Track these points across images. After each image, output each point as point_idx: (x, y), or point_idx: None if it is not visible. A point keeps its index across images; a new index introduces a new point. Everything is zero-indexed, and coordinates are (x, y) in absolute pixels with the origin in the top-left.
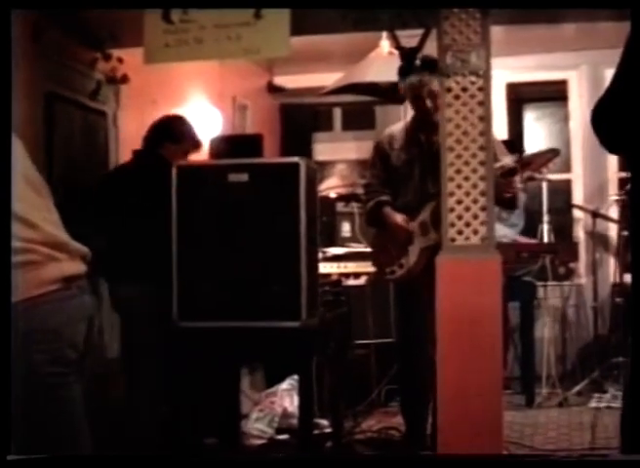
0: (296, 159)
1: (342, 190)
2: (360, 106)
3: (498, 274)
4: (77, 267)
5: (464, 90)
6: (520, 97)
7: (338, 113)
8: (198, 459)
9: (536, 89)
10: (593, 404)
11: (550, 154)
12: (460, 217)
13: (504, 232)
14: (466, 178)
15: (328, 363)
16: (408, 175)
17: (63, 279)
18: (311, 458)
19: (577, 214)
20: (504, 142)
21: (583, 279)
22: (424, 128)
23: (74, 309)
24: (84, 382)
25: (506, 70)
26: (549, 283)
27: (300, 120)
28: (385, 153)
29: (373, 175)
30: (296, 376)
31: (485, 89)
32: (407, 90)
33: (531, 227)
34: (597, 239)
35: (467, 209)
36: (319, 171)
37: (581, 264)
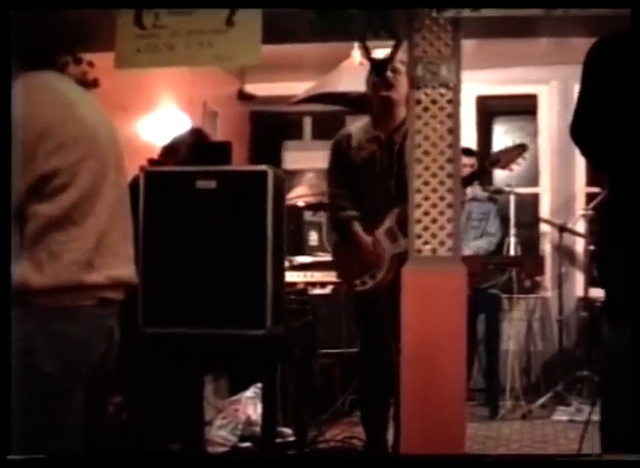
0: (264, 167)
1: (311, 199)
2: (330, 116)
3: (463, 286)
4: (118, 293)
5: (434, 102)
6: (490, 110)
7: (308, 122)
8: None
9: (506, 102)
10: (557, 417)
11: (518, 150)
12: (426, 229)
13: (480, 244)
14: (434, 190)
15: (292, 371)
16: (369, 175)
17: (103, 298)
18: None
19: (544, 228)
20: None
21: (549, 292)
22: (384, 125)
23: (104, 329)
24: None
25: (477, 83)
26: (515, 296)
27: (271, 128)
28: (343, 152)
29: (334, 178)
30: (260, 384)
31: (454, 101)
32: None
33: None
34: (563, 253)
35: (434, 220)
36: (288, 179)
37: (548, 278)
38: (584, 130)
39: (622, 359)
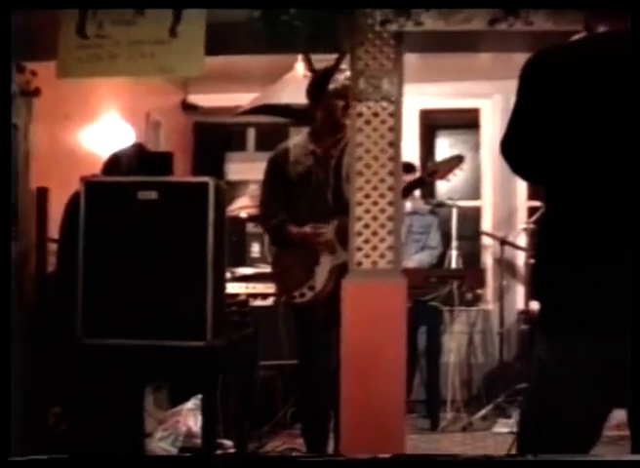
0: (205, 178)
1: (253, 211)
2: (274, 127)
3: (403, 298)
4: None
5: (376, 115)
6: (433, 123)
7: (251, 133)
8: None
9: (449, 116)
10: (497, 429)
11: (456, 161)
12: (367, 241)
13: (422, 257)
14: (375, 203)
15: (233, 383)
16: (305, 189)
17: None
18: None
19: (485, 241)
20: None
21: (490, 305)
22: (323, 138)
23: None
24: None
25: (421, 97)
26: (456, 308)
27: (214, 139)
28: (280, 167)
29: (269, 192)
30: (201, 396)
31: (396, 115)
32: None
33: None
34: (505, 266)
35: (375, 233)
36: (231, 190)
37: (489, 291)
38: (516, 145)
39: (554, 371)
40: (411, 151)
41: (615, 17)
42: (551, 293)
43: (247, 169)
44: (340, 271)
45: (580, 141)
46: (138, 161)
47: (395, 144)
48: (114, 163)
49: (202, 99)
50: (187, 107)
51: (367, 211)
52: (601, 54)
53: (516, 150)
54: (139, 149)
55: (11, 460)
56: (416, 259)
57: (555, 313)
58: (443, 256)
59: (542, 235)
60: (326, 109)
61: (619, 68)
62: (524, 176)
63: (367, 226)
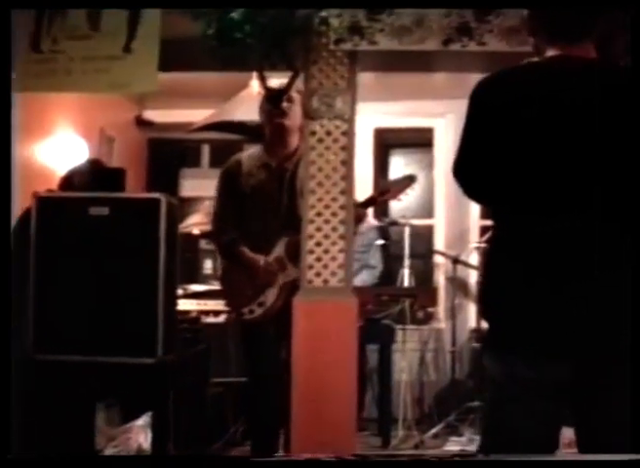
0: (157, 195)
1: (207, 227)
2: (228, 144)
3: (354, 317)
4: None
5: (328, 133)
6: (387, 142)
7: (206, 150)
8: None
9: (403, 135)
10: (449, 447)
11: (407, 181)
12: (318, 260)
13: (363, 277)
14: (327, 221)
15: (185, 400)
16: (258, 202)
17: None
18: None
19: (438, 259)
20: None
21: (442, 323)
22: (276, 152)
23: None
24: None
25: (375, 116)
26: (408, 326)
27: (168, 155)
28: (233, 179)
29: (222, 205)
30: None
31: (349, 133)
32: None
33: (392, 271)
34: (457, 285)
35: (326, 251)
36: (185, 207)
37: (441, 309)
38: (467, 167)
39: (504, 390)
40: (364, 170)
41: (563, 41)
42: (499, 313)
43: (201, 185)
44: (291, 288)
45: (530, 163)
46: (91, 177)
47: (348, 163)
48: (70, 178)
49: (157, 115)
50: (142, 123)
51: (319, 229)
52: (548, 77)
53: (468, 172)
54: (94, 165)
55: (10, 458)
56: (357, 280)
57: (503, 333)
58: (389, 275)
59: (490, 256)
60: (277, 124)
61: (566, 91)
62: (476, 198)
63: (319, 244)
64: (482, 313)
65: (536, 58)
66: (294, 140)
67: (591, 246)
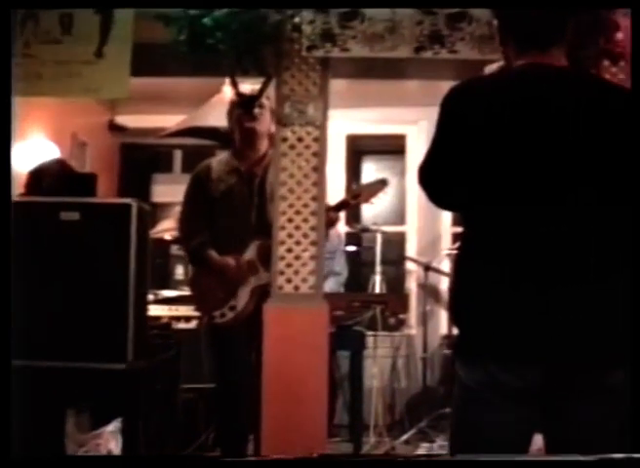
0: (128, 200)
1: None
2: (201, 150)
3: (325, 323)
4: None
5: (300, 140)
6: (360, 149)
7: (178, 155)
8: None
9: (375, 141)
10: (420, 453)
11: (379, 184)
12: (289, 266)
13: (328, 284)
14: (297, 228)
15: (155, 406)
16: (228, 207)
17: None
18: None
19: (410, 266)
20: None
21: (414, 330)
22: (246, 157)
23: None
24: None
25: (348, 122)
26: (380, 333)
27: (141, 160)
28: (203, 184)
29: (190, 210)
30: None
31: (321, 140)
32: (234, 109)
33: (363, 278)
34: (428, 291)
35: (297, 257)
36: (157, 212)
37: (412, 316)
38: (434, 173)
39: (475, 395)
40: (337, 176)
41: (533, 49)
42: (470, 318)
43: (173, 190)
44: (262, 292)
45: (500, 170)
46: (60, 179)
47: (319, 170)
48: (36, 179)
49: (129, 120)
50: (114, 128)
51: (290, 235)
52: (518, 85)
53: (432, 178)
54: (60, 166)
55: (11, 459)
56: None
57: (473, 337)
58: (360, 281)
59: (460, 261)
60: (246, 129)
61: (536, 99)
62: (438, 203)
63: (289, 251)
64: (452, 318)
65: (495, 66)
66: (263, 146)
67: (562, 251)
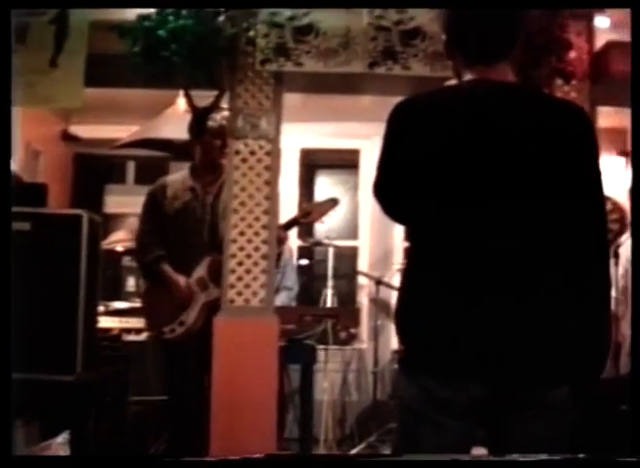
0: (79, 211)
1: (130, 244)
2: (154, 161)
3: (274, 336)
4: None
5: (252, 153)
6: (314, 163)
7: (131, 166)
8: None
9: (329, 156)
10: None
11: (330, 204)
12: (240, 279)
13: (279, 299)
14: (249, 241)
15: (104, 418)
16: (182, 225)
17: None
18: None
19: (361, 280)
20: None
21: (365, 344)
22: (202, 175)
23: None
24: None
25: (302, 136)
26: (330, 347)
27: (94, 171)
28: (158, 201)
29: (146, 227)
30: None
31: (273, 154)
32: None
33: (315, 291)
34: (380, 306)
35: (248, 271)
36: (109, 223)
37: (364, 330)
38: (386, 187)
39: (415, 413)
40: (290, 190)
41: (479, 63)
42: (414, 333)
43: (126, 202)
44: (211, 308)
45: (444, 184)
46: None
47: (272, 183)
48: None
49: (83, 130)
50: (68, 138)
51: (241, 248)
52: (463, 100)
53: (387, 193)
54: (12, 179)
55: (13, 457)
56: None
57: (417, 352)
58: (311, 295)
59: (406, 276)
60: (204, 147)
61: (479, 114)
62: (397, 218)
63: (240, 264)
64: (397, 333)
65: (453, 82)
66: (219, 164)
67: (507, 267)
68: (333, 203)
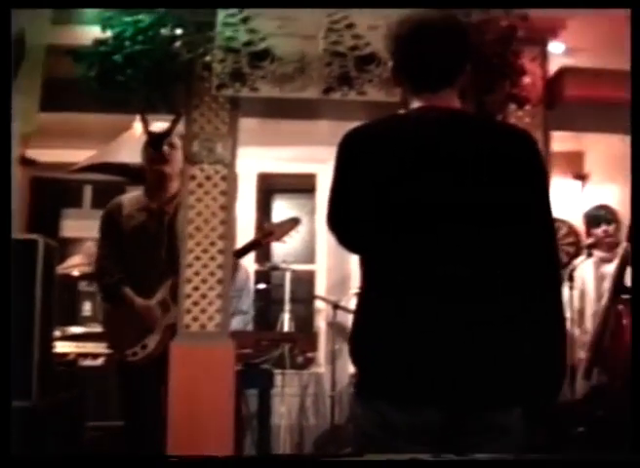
0: (34, 236)
1: (86, 268)
2: (111, 185)
3: (231, 361)
4: None
5: (208, 178)
6: (271, 187)
7: (88, 191)
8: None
9: (286, 180)
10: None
11: (291, 223)
12: (195, 304)
13: (234, 323)
14: (205, 266)
15: (60, 444)
16: (139, 244)
17: None
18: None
19: (318, 304)
20: None
21: (322, 368)
22: (157, 196)
23: None
24: None
25: (259, 160)
26: (288, 371)
27: (50, 195)
28: (114, 220)
29: (104, 251)
30: None
31: (229, 178)
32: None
33: (272, 316)
34: (337, 330)
35: (204, 296)
36: (65, 248)
37: (321, 354)
38: (338, 217)
39: (370, 438)
40: (247, 214)
41: (425, 90)
42: (368, 358)
43: (82, 226)
44: (174, 330)
45: (399, 211)
46: None
47: (227, 208)
48: None
49: (40, 154)
50: (24, 162)
51: (196, 273)
52: (413, 127)
53: (339, 222)
54: None
55: (11, 456)
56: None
57: (371, 377)
58: (268, 320)
59: (359, 302)
60: (156, 171)
61: (432, 141)
62: (351, 248)
63: (196, 289)
64: (351, 357)
65: (402, 111)
66: (174, 185)
67: (459, 293)
68: (294, 222)
